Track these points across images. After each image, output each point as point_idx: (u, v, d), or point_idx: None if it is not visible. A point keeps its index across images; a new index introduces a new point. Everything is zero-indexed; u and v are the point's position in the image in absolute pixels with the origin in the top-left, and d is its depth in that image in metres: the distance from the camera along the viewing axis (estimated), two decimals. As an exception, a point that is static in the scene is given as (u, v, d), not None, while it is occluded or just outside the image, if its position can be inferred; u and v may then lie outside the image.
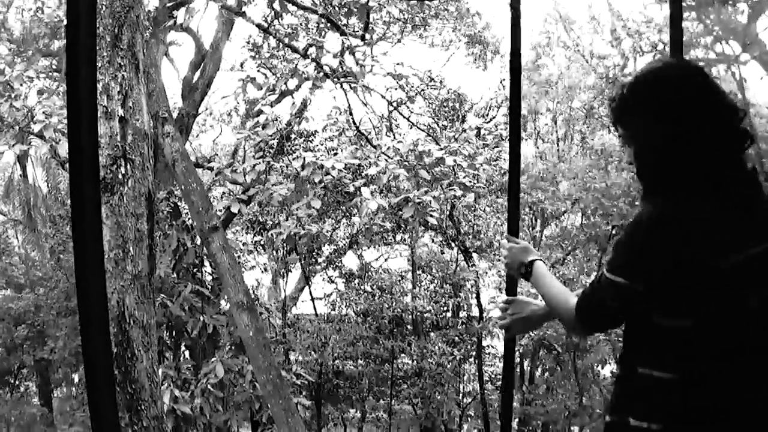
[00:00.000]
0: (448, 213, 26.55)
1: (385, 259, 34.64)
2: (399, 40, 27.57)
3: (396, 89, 17.84)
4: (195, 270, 18.63)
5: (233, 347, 18.05)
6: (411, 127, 24.34)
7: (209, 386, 16.68)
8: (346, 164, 12.99)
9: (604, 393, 26.51)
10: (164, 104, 16.11)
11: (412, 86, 21.37)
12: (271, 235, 18.65)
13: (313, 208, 12.94)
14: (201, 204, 15.25)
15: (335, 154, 26.75)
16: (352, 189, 13.31)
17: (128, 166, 9.89)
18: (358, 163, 12.85)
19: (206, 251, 16.24)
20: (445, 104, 27.30)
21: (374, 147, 16.88)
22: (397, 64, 16.97)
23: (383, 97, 17.66)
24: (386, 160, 13.50)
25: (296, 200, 13.74)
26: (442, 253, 32.70)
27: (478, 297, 32.25)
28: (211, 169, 31.06)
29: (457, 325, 32.19)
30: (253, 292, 31.36)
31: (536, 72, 34.00)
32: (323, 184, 13.10)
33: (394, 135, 20.11)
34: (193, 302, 17.40)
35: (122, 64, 9.95)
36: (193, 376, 17.47)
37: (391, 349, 29.31)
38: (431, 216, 12.93)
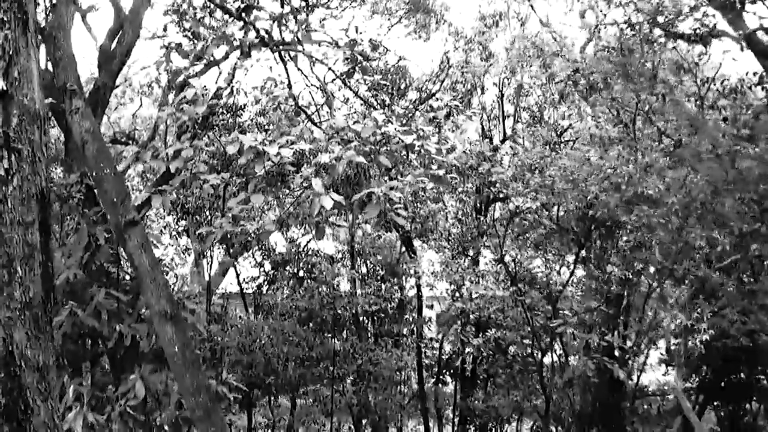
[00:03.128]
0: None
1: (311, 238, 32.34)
2: (337, 7, 25.42)
3: (343, 60, 15.53)
4: (110, 270, 16.13)
5: (156, 358, 15.62)
6: (361, 105, 22.18)
7: (128, 408, 14.23)
8: (294, 151, 10.66)
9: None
10: (73, 74, 13.66)
11: (356, 56, 19.18)
12: (200, 234, 16.45)
13: (252, 204, 10.62)
14: (115, 193, 12.89)
15: (266, 130, 24.63)
16: (297, 179, 11.01)
17: (13, 158, 7.43)
18: (309, 149, 10.49)
19: (122, 249, 13.80)
20: (384, 78, 25.01)
21: (319, 127, 14.60)
22: (343, 30, 14.78)
23: (330, 68, 15.37)
24: (340, 144, 11.26)
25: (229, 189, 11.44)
26: (379, 237, 30.53)
27: (418, 288, 30.59)
28: (129, 144, 28.90)
29: (401, 322, 30.34)
30: (175, 276, 29.20)
31: (483, 45, 31.80)
32: (265, 173, 10.84)
33: (332, 112, 18.16)
34: (108, 308, 14.96)
35: (5, 19, 7.47)
36: (113, 393, 14.98)
37: (333, 351, 27.16)
38: (398, 215, 10.72)
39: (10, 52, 7.43)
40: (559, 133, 30.61)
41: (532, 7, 31.05)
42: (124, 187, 13.20)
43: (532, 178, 22.37)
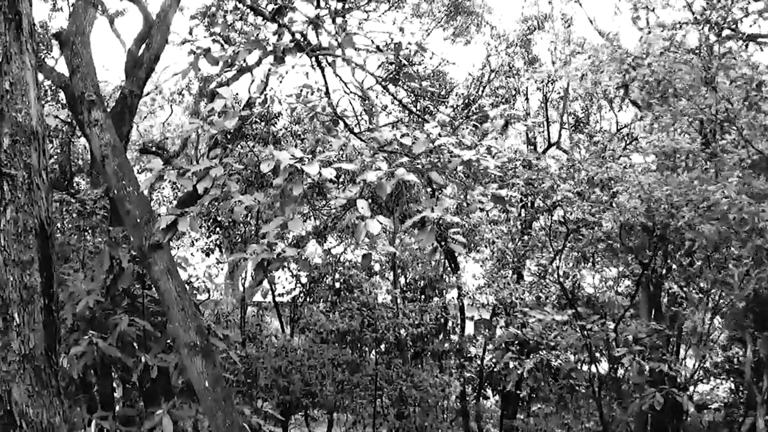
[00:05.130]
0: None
1: (348, 249, 31.20)
2: (375, 8, 24.31)
3: (387, 65, 14.40)
4: (134, 295, 15.01)
5: (186, 391, 14.50)
6: (400, 112, 21.11)
7: (155, 446, 13.08)
8: (338, 170, 9.46)
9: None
10: (92, 83, 12.57)
11: (400, 61, 18.00)
12: (234, 262, 15.40)
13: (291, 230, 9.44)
14: (139, 213, 11.81)
15: (301, 139, 23.52)
16: (339, 199, 9.82)
17: (5, 186, 6.28)
18: (354, 168, 9.30)
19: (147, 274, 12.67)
20: (426, 83, 23.92)
21: (361, 138, 13.44)
22: (386, 32, 13.62)
23: (373, 75, 14.21)
24: (387, 160, 10.07)
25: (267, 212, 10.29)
26: (420, 249, 29.31)
27: (462, 309, 29.41)
28: (160, 154, 27.94)
29: (444, 340, 29.23)
30: (209, 280, 28.19)
31: (526, 48, 30.56)
32: (304, 196, 9.67)
33: (376, 123, 17.05)
34: (132, 337, 13.83)
35: (-8, 20, 6.33)
36: (138, 429, 13.84)
37: (375, 376, 25.99)
38: (454, 241, 9.51)
39: (1, 60, 6.25)
40: (622, 143, 29.34)
41: (579, 3, 29.77)
42: (149, 207, 12.14)
43: (593, 192, 21.19)
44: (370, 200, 10.24)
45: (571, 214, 21.96)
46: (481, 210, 10.53)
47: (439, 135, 9.85)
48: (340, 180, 9.60)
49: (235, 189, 9.51)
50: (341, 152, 11.09)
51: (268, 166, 8.79)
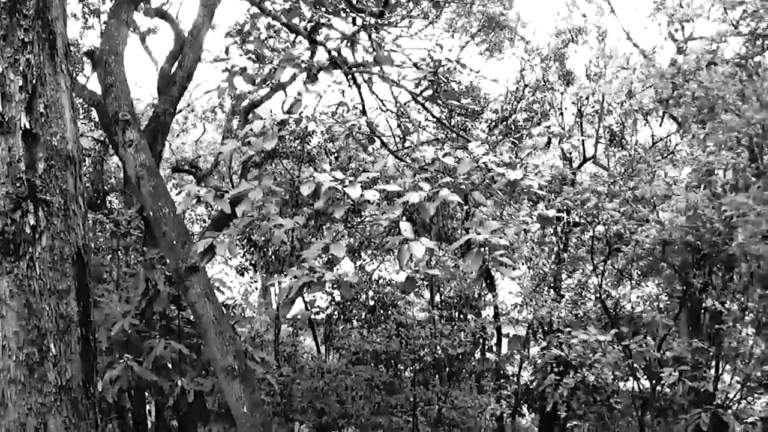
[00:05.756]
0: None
1: (383, 266, 30.91)
2: (409, 24, 24.13)
3: (426, 82, 14.14)
4: (170, 318, 14.84)
5: (223, 415, 14.29)
6: (435, 129, 20.86)
7: (190, 473, 12.89)
8: (383, 192, 9.20)
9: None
10: (126, 103, 12.39)
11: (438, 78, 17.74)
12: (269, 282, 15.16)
13: (337, 259, 9.22)
14: (175, 236, 11.61)
15: (336, 157, 23.30)
16: (384, 222, 9.58)
17: (41, 213, 6.06)
18: (399, 190, 9.02)
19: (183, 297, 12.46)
20: (461, 99, 23.65)
21: (399, 158, 13.18)
22: (425, 49, 13.35)
23: (411, 93, 13.96)
24: (429, 181, 9.80)
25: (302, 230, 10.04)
26: (456, 267, 28.95)
27: (499, 330, 29.08)
28: (192, 173, 27.78)
29: (483, 362, 28.89)
30: (246, 302, 28.01)
31: (561, 62, 30.22)
32: (346, 220, 9.44)
33: (416, 143, 16.79)
34: (167, 361, 13.64)
35: (27, 40, 6.12)
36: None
37: (414, 399, 25.69)
38: (501, 263, 9.23)
39: (34, 81, 6.06)
40: (658, 157, 28.97)
41: (612, 10, 29.44)
42: (185, 229, 11.95)
43: (637, 210, 20.89)
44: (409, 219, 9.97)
45: (613, 231, 21.67)
46: (525, 232, 10.30)
47: (484, 154, 9.59)
48: (377, 198, 9.32)
49: (274, 212, 9.28)
50: (381, 172, 10.82)
51: (309, 188, 8.55)
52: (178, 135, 33.62)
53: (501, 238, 9.17)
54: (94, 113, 24.87)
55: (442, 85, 13.53)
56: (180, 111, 29.80)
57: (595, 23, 30.45)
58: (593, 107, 30.61)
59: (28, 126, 6.04)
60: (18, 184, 6.03)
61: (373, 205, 14.76)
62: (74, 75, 23.82)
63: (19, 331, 6.09)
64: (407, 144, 17.25)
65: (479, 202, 9.94)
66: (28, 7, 6.16)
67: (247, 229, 14.63)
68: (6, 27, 6.10)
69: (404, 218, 9.38)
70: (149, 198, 11.74)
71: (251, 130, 9.08)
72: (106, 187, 27.47)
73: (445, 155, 9.92)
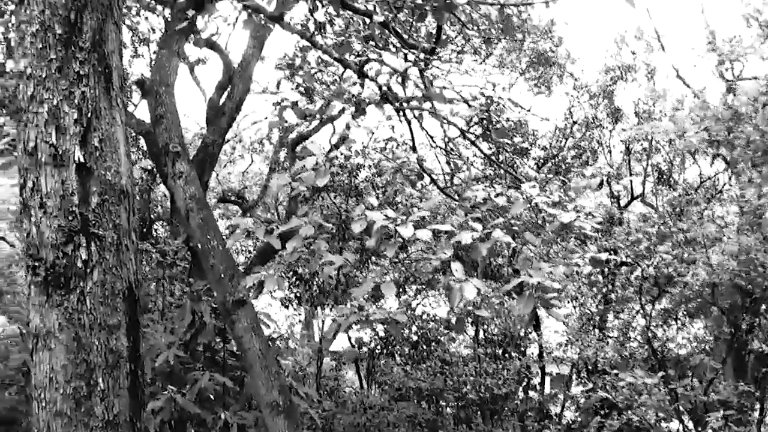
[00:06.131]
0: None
1: (426, 300, 30.69)
2: (460, 60, 24.07)
3: (477, 119, 14.07)
4: (215, 350, 14.75)
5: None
6: (483, 166, 20.78)
7: None
8: (434, 231, 9.10)
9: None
10: (177, 134, 12.37)
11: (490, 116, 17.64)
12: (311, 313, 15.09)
13: (382, 294, 9.13)
14: (223, 269, 11.57)
15: (384, 191, 23.23)
16: (435, 262, 9.47)
17: (93, 247, 6.02)
18: (451, 230, 8.93)
19: (229, 330, 12.38)
20: (509, 136, 23.53)
21: (449, 195, 13.10)
22: (476, 86, 13.27)
23: (461, 130, 13.89)
24: (481, 220, 9.72)
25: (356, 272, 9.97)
26: (501, 304, 28.73)
27: (543, 369, 28.81)
28: (239, 203, 27.81)
29: (526, 401, 28.60)
30: (292, 337, 27.94)
31: (609, 99, 30.06)
32: (398, 260, 9.38)
33: (451, 178, 16.71)
34: (211, 393, 13.56)
35: (82, 73, 6.09)
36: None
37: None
38: (554, 306, 9.12)
39: (89, 115, 6.02)
40: (707, 196, 28.72)
41: (662, 47, 29.27)
42: (233, 262, 11.89)
43: (688, 251, 20.69)
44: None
45: (664, 273, 21.46)
46: (578, 274, 10.20)
47: (537, 194, 9.50)
48: (429, 238, 9.21)
49: (325, 248, 9.21)
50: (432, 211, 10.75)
51: (360, 226, 8.48)
52: (225, 165, 33.69)
53: (552, 280, 9.08)
54: (141, 142, 24.96)
55: (494, 123, 13.47)
56: (227, 141, 29.85)
57: (644, 60, 30.34)
58: (641, 145, 30.43)
59: (82, 159, 6.01)
60: (71, 218, 6.00)
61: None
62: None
63: (67, 365, 6.05)
64: (456, 180, 17.20)
65: (531, 243, 9.85)
66: (84, 39, 6.14)
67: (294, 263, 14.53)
68: (61, 59, 6.08)
69: (454, 258, 9.30)
70: (198, 230, 11.71)
71: (303, 166, 9.04)
72: (152, 216, 27.54)
73: (497, 195, 9.85)
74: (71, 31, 6.09)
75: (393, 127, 14.03)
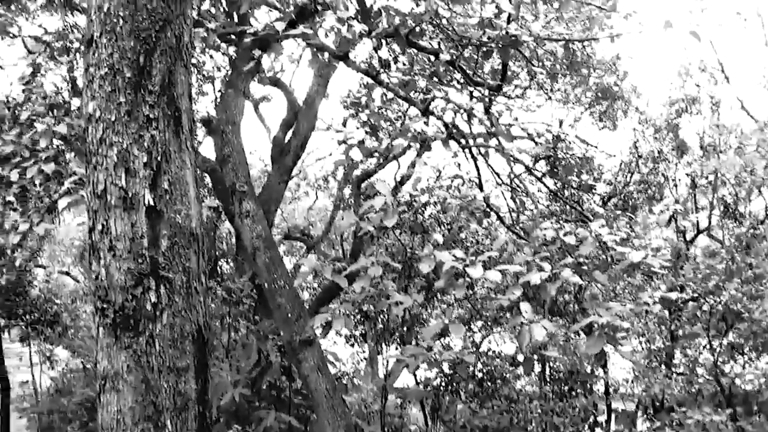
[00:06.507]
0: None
1: (491, 336, 30.48)
2: (524, 96, 24.00)
3: (543, 157, 13.98)
4: (281, 389, 14.74)
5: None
6: (548, 202, 20.64)
7: None
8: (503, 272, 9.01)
9: None
10: (243, 174, 12.40)
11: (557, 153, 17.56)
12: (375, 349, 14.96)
13: (453, 335, 9.04)
14: (290, 308, 11.55)
15: (449, 228, 23.13)
16: (505, 302, 9.37)
17: (162, 290, 6.01)
18: (520, 270, 8.84)
19: (295, 369, 12.36)
20: (573, 172, 23.38)
21: (516, 233, 12.99)
22: (547, 124, 13.22)
23: (527, 167, 13.82)
24: (550, 260, 9.63)
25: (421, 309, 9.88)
26: (568, 340, 28.48)
27: (609, 407, 28.46)
28: (304, 240, 27.83)
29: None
30: (358, 377, 27.88)
31: (674, 133, 29.80)
32: (467, 300, 9.31)
33: (516, 215, 16.58)
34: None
35: (152, 117, 6.09)
36: None
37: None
38: (622, 345, 8.99)
39: (158, 158, 6.02)
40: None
41: (726, 79, 29.01)
42: (300, 301, 11.87)
43: (757, 288, 20.45)
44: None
45: (733, 309, 21.20)
46: (646, 313, 10.06)
47: (607, 233, 9.39)
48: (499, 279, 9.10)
49: (392, 288, 9.15)
50: (501, 250, 10.65)
51: (429, 266, 8.42)
52: (289, 202, 33.74)
53: (621, 319, 8.97)
54: (207, 179, 25.08)
55: (560, 159, 13.38)
56: (292, 178, 29.93)
57: (708, 93, 30.06)
58: (707, 178, 30.11)
59: (152, 203, 6.00)
60: (140, 261, 5.99)
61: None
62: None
63: (135, 407, 6.02)
64: (522, 217, 17.08)
65: (600, 282, 9.75)
66: (153, 83, 6.14)
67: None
68: (131, 103, 6.09)
69: (523, 297, 9.22)
70: (265, 269, 11.72)
71: (371, 206, 9.00)
72: (217, 253, 27.63)
73: (566, 234, 9.76)
74: (140, 75, 6.10)
75: (459, 164, 13.97)
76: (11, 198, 11.80)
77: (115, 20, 6.16)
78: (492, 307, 9.62)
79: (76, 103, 13.04)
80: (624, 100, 29.09)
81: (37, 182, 11.55)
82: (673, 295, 9.85)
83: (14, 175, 11.38)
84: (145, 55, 6.12)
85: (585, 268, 9.56)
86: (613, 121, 29.71)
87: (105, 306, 6.07)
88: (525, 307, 8.62)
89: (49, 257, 38.11)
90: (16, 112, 13.49)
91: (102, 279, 6.08)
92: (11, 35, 28.13)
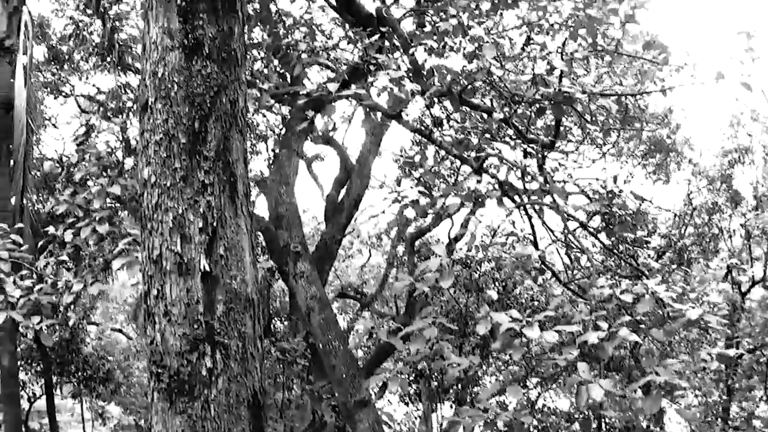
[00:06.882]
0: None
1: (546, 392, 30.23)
2: (578, 151, 23.93)
3: (600, 214, 13.87)
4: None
5: None
6: (600, 257, 20.50)
7: None
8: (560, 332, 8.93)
9: None
10: (298, 234, 12.41)
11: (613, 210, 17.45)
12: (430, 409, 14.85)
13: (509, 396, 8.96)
14: (345, 369, 11.50)
15: (504, 286, 23.04)
16: (561, 363, 9.28)
17: (218, 355, 5.99)
18: (577, 330, 8.77)
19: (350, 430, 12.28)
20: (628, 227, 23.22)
21: (572, 290, 12.90)
22: (601, 180, 13.14)
23: (582, 224, 13.72)
24: (608, 318, 9.54)
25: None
26: (624, 397, 28.13)
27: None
28: (357, 299, 27.76)
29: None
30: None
31: (727, 183, 29.59)
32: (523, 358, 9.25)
33: (572, 272, 16.43)
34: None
35: (207, 182, 6.10)
36: None
37: None
38: (677, 403, 8.91)
39: (214, 224, 6.02)
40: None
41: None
42: (355, 363, 11.83)
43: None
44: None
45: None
46: (703, 369, 9.97)
47: (664, 290, 9.29)
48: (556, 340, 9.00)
49: (448, 349, 9.09)
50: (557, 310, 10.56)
51: (485, 328, 8.36)
52: (343, 260, 33.69)
53: (679, 376, 8.88)
54: (260, 237, 25.10)
55: (616, 216, 13.29)
56: (345, 236, 29.91)
57: (761, 142, 29.83)
58: (761, 229, 29.81)
59: (207, 268, 6.00)
60: (196, 326, 5.99)
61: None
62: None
63: (189, 475, 6.00)
64: (577, 273, 16.95)
65: (658, 339, 9.65)
66: (208, 148, 6.16)
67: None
68: (186, 168, 6.12)
69: (580, 356, 9.13)
70: (319, 330, 11.69)
71: (427, 267, 8.96)
72: (271, 312, 27.62)
73: (622, 292, 9.66)
74: (195, 140, 6.12)
75: (513, 222, 13.89)
76: (65, 257, 11.88)
77: (169, 86, 6.20)
78: (548, 366, 9.51)
79: (129, 163, 13.13)
80: (677, 153, 28.91)
81: (90, 242, 11.61)
82: (731, 352, 9.68)
83: (68, 236, 11.44)
84: (200, 120, 6.15)
85: (642, 326, 9.47)
86: (666, 173, 29.52)
87: (160, 371, 6.06)
88: (582, 367, 8.54)
89: (101, 314, 38.37)
90: (71, 171, 13.62)
91: (157, 344, 6.08)
92: (64, 94, 28.52)
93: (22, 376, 30.86)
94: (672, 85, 13.62)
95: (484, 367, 24.07)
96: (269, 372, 17.87)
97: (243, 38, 6.69)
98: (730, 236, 30.67)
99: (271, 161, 23.01)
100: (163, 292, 6.07)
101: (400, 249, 25.18)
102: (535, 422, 27.24)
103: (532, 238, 14.24)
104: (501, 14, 13.68)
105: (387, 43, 12.87)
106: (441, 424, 30.77)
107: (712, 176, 29.66)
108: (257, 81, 12.84)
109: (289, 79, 14.82)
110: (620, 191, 12.69)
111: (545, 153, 13.40)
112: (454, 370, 8.94)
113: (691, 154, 29.67)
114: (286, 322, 26.30)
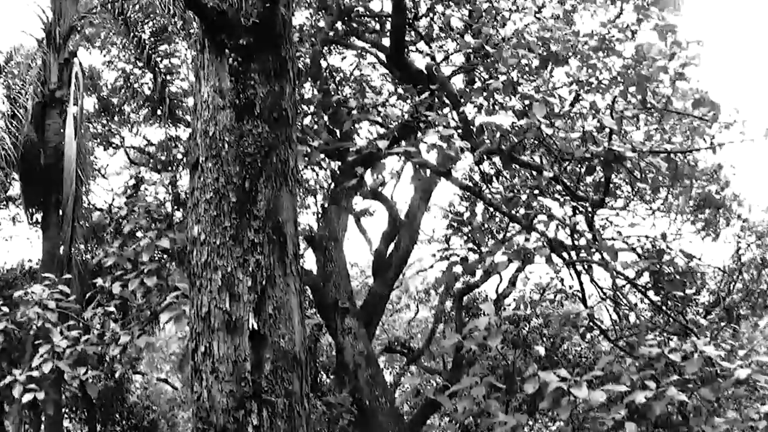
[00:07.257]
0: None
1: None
2: (627, 208, 23.81)
3: (649, 272, 13.78)
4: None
5: None
6: (648, 312, 20.36)
7: None
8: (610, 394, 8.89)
9: None
10: (346, 290, 12.44)
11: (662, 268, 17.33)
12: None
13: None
14: (392, 426, 11.52)
15: (552, 342, 22.89)
16: (609, 422, 9.22)
17: (265, 414, 5.99)
18: (625, 389, 8.73)
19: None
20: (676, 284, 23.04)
21: (620, 347, 12.83)
22: (650, 238, 13.09)
23: (631, 281, 13.66)
24: (656, 378, 9.48)
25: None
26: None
27: None
28: (405, 354, 27.64)
29: None
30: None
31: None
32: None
33: (621, 329, 16.33)
34: None
35: (257, 241, 6.14)
36: None
37: None
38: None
39: (263, 282, 6.05)
40: None
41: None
42: (402, 420, 11.82)
43: None
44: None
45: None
46: (752, 428, 9.87)
47: (714, 351, 9.23)
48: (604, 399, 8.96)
49: (496, 408, 9.05)
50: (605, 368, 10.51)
51: (533, 387, 8.33)
52: (390, 314, 33.55)
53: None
54: (308, 291, 25.08)
55: (664, 274, 13.20)
56: (393, 290, 29.80)
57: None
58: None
59: (255, 327, 6.03)
60: (243, 384, 6.00)
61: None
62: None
63: None
64: (626, 331, 16.84)
65: (707, 399, 9.58)
66: (258, 208, 6.21)
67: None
68: (236, 227, 6.16)
69: (627, 416, 9.08)
70: (366, 387, 11.71)
71: (477, 327, 8.95)
72: (317, 366, 27.55)
73: (671, 351, 9.60)
74: (246, 199, 6.17)
75: (562, 279, 13.86)
76: (112, 309, 11.95)
77: (220, 145, 6.26)
78: (596, 425, 9.39)
79: (178, 215, 13.20)
80: (726, 209, 28.71)
81: (138, 294, 11.67)
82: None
83: (116, 287, 11.50)
84: (251, 180, 6.20)
85: (690, 385, 9.41)
86: (715, 229, 29.31)
87: (206, 427, 6.07)
88: (630, 427, 8.49)
89: (147, 364, 38.43)
90: (119, 223, 13.71)
91: (204, 400, 6.09)
92: (114, 146, 28.80)
93: (66, 423, 30.95)
94: (721, 141, 13.58)
95: (531, 424, 23.85)
96: (314, 426, 17.81)
97: (294, 97, 6.74)
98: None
99: (320, 216, 23.05)
100: (211, 349, 6.09)
101: (448, 304, 25.07)
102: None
103: (580, 294, 14.18)
104: (551, 72, 13.67)
105: (437, 100, 12.91)
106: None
107: (762, 232, 29.40)
108: (308, 137, 12.90)
109: (339, 135, 14.90)
110: (669, 248, 12.63)
111: (594, 210, 13.36)
112: (501, 428, 8.90)
113: (740, 210, 29.44)
114: (332, 377, 26.22)
